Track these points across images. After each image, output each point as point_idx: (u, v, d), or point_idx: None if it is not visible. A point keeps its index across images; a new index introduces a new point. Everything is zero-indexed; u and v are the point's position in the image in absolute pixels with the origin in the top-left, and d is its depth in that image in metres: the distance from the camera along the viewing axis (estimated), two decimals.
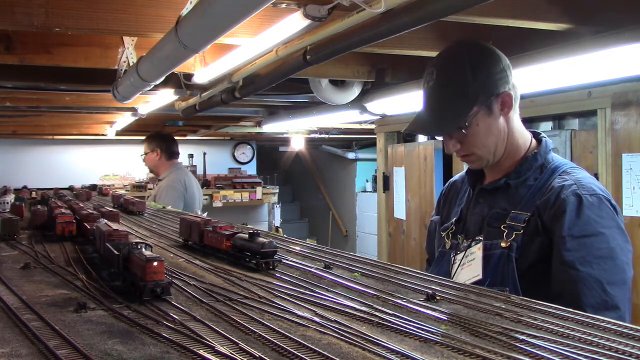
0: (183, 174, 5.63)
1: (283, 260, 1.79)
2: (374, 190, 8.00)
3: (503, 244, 1.84)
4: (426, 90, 2.02)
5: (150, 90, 3.07)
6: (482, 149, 1.96)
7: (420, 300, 1.30)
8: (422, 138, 5.34)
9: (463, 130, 1.91)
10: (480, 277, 1.85)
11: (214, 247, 1.91)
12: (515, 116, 1.99)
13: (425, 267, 2.36)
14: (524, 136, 2.00)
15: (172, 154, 5.68)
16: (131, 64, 2.95)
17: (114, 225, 1.80)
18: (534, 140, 2.01)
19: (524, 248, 1.81)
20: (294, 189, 12.99)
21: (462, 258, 1.95)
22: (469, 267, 1.91)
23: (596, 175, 3.23)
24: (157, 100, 4.54)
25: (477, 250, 1.91)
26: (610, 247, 1.73)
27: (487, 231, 1.93)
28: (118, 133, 7.59)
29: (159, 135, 5.88)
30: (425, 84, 2.02)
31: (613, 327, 1.08)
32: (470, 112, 1.90)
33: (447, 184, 2.36)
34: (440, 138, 2.02)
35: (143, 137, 6.11)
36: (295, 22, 2.04)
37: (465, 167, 2.18)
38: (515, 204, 1.90)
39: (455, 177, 2.33)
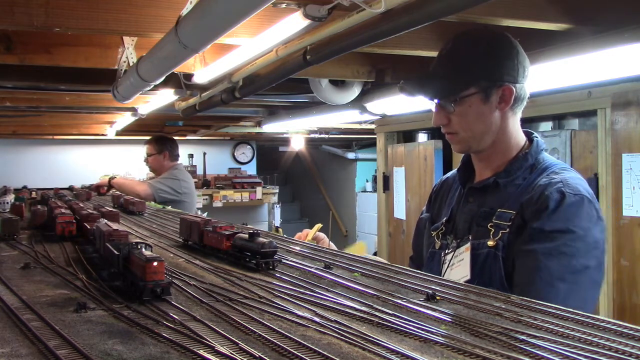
0: (185, 174, 5.76)
1: (283, 260, 1.79)
2: (374, 190, 8.00)
3: (490, 243, 1.84)
4: (437, 58, 2.03)
5: (150, 90, 3.07)
6: (467, 132, 1.95)
7: (420, 300, 1.30)
8: (422, 138, 5.34)
9: (453, 105, 1.91)
10: (468, 277, 1.85)
11: (214, 247, 1.90)
12: (514, 118, 1.98)
13: (409, 263, 2.36)
14: (517, 137, 1.99)
15: (177, 157, 5.89)
16: (131, 64, 2.95)
17: (114, 225, 1.80)
18: (527, 142, 2.01)
19: (510, 247, 1.81)
20: (294, 189, 12.99)
21: (452, 258, 1.95)
22: (458, 267, 1.91)
23: (596, 175, 3.23)
24: (157, 100, 4.54)
25: (465, 250, 1.91)
26: (575, 246, 1.73)
27: (475, 230, 1.93)
28: (118, 133, 7.60)
29: (166, 138, 6.03)
30: (439, 52, 2.04)
31: (613, 327, 1.08)
32: (467, 91, 1.89)
33: (439, 181, 2.35)
34: (433, 108, 2.02)
35: (143, 138, 6.14)
36: (295, 22, 2.04)
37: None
38: (503, 202, 1.90)
39: (448, 174, 2.33)
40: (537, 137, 2.01)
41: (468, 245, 1.90)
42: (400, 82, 2.06)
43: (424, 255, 2.20)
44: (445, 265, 1.97)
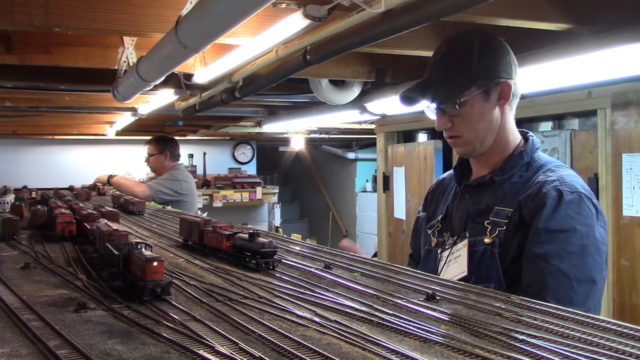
0: (186, 174, 5.76)
1: (283, 260, 1.79)
2: (374, 190, 8.00)
3: (487, 240, 1.85)
4: (432, 62, 2.04)
5: (150, 90, 3.07)
6: (472, 133, 1.96)
7: (420, 300, 1.30)
8: (422, 138, 5.34)
9: (457, 107, 1.92)
10: (465, 273, 1.86)
11: (214, 247, 1.90)
12: (510, 114, 2.00)
13: (408, 261, 2.38)
14: (514, 134, 2.02)
15: (178, 157, 5.89)
16: (131, 64, 2.95)
17: (114, 225, 1.80)
18: (522, 140, 2.03)
19: (506, 244, 1.82)
20: (294, 189, 12.99)
21: (448, 255, 1.97)
22: (455, 264, 1.92)
23: (596, 175, 3.23)
24: (157, 100, 4.54)
25: (462, 247, 1.92)
26: (583, 244, 1.74)
27: (471, 227, 1.94)
28: (118, 133, 7.60)
29: (167, 138, 6.03)
30: (433, 57, 2.05)
31: (613, 327, 1.08)
32: (468, 91, 1.91)
33: (435, 181, 2.38)
34: (433, 116, 2.02)
35: (143, 138, 6.13)
36: (295, 22, 2.04)
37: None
38: (499, 200, 1.91)
39: (444, 174, 2.35)
40: (532, 136, 2.04)
41: (465, 242, 1.92)
42: (400, 92, 2.06)
43: (421, 254, 2.21)
44: (442, 263, 1.98)
